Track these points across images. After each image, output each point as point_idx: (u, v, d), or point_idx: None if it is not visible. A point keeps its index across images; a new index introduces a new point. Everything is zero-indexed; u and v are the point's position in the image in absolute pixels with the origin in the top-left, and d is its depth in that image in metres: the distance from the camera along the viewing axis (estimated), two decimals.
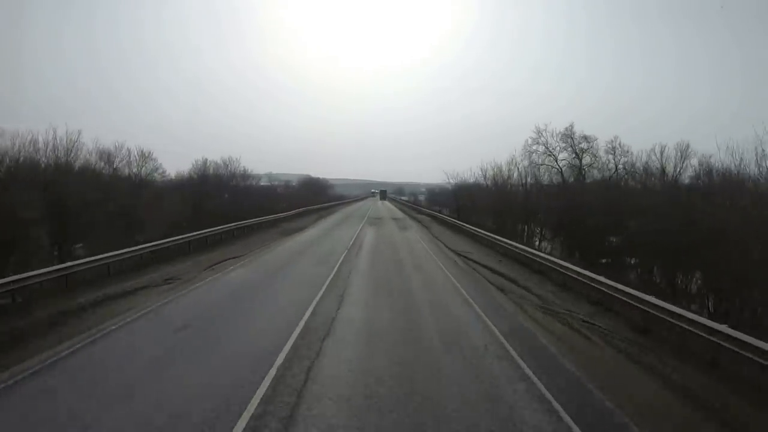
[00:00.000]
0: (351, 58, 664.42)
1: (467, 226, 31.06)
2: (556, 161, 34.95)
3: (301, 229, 31.75)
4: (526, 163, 36.59)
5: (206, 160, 45.79)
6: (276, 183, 75.95)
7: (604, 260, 24.63)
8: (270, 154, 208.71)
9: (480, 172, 43.41)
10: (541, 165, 35.50)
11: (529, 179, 36.09)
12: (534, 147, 35.74)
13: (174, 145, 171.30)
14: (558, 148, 34.78)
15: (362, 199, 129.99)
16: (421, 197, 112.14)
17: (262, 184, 68.41)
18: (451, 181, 49.22)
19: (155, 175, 42.21)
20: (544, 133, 35.19)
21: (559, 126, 37.18)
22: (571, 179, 34.68)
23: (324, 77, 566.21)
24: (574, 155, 34.17)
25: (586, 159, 34.29)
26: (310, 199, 64.12)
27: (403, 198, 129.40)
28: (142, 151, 39.12)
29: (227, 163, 44.90)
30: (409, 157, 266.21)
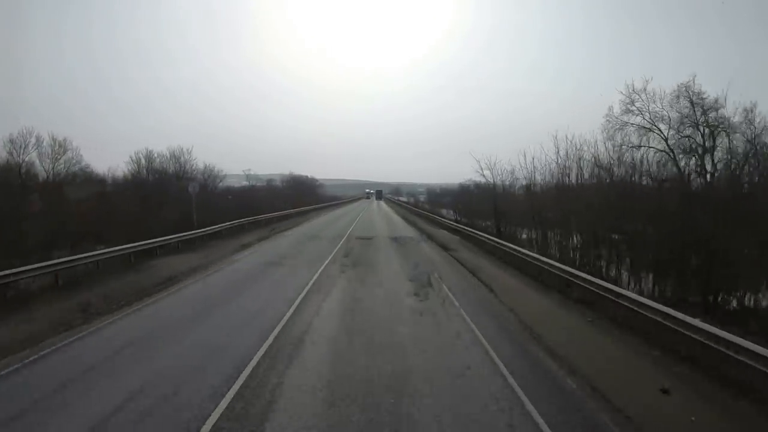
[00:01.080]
0: (350, 59, 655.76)
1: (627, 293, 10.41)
2: (666, 141, 22.65)
3: (184, 276, 14.72)
4: (609, 145, 24.13)
5: (151, 151, 33.88)
6: (257, 184, 63.86)
7: None
8: (268, 154, 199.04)
9: (553, 157, 27.93)
10: (640, 147, 23.05)
11: (624, 170, 23.47)
12: (625, 118, 23.38)
13: (172, 145, 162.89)
14: (668, 119, 22.46)
15: (356, 200, 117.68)
16: (421, 197, 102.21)
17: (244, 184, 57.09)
18: (486, 173, 32.05)
19: (75, 170, 31.14)
20: (641, 95, 22.90)
21: (666, 84, 24.10)
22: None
23: (323, 78, 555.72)
24: (696, 130, 21.91)
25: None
26: (282, 204, 49.09)
27: (401, 199, 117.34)
28: (55, 140, 28.21)
29: (177, 156, 32.92)
30: (407, 157, 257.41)
